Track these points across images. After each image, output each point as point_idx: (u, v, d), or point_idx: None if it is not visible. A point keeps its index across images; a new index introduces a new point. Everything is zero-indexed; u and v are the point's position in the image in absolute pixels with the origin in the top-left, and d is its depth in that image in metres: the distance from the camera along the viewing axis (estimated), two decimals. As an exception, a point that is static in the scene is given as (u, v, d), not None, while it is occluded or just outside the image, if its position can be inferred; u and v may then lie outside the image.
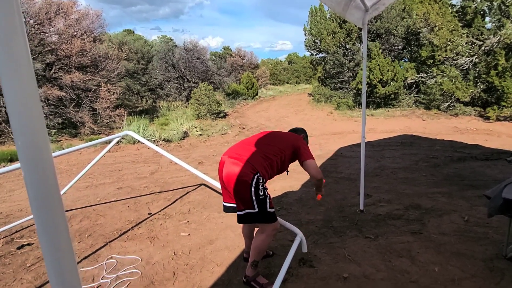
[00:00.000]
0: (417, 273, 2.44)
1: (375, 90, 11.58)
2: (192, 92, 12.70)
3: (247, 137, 2.44)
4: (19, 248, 3.16)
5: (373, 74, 11.41)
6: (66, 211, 4.07)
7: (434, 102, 10.45)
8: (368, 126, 9.38)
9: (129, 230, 3.45)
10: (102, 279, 2.56)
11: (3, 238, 3.37)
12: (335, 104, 13.29)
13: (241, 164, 2.09)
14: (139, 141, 4.14)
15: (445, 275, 2.39)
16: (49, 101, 9.92)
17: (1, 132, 9.10)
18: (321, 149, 6.99)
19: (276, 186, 4.61)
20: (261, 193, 2.08)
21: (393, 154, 6.19)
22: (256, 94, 20.45)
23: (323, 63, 17.03)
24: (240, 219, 2.17)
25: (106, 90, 10.63)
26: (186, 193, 4.54)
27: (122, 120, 10.52)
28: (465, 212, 3.46)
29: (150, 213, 3.87)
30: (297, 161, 2.42)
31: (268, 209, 2.12)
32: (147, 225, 3.54)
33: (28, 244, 3.22)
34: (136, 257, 2.87)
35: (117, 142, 8.47)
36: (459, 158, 5.56)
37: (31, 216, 3.70)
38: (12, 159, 7.00)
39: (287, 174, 2.65)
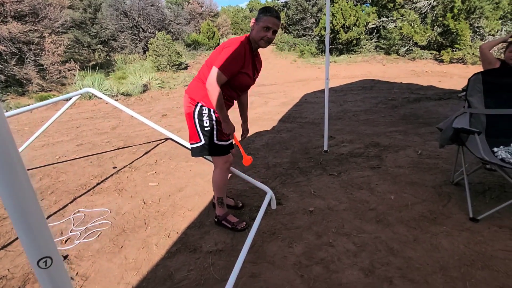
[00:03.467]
0: (375, 201, 2.65)
1: (337, 36, 11.52)
2: (149, 43, 11.88)
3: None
4: (-25, 210, 2.99)
5: (335, 19, 11.26)
6: (23, 171, 3.85)
7: (394, 47, 10.65)
8: (331, 73, 9.47)
9: (95, 185, 3.36)
10: (71, 232, 2.53)
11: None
12: (298, 52, 13.12)
13: (186, 96, 2.12)
14: (96, 96, 3.87)
15: (400, 202, 2.63)
16: (-15, 56, 8.87)
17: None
18: (286, 96, 7.01)
19: (243, 133, 4.62)
20: (206, 124, 2.09)
21: (355, 98, 6.37)
22: (218, 44, 19.59)
23: (285, 9, 16.45)
24: (192, 152, 2.21)
25: (51, 42, 9.64)
26: (152, 147, 4.44)
27: (74, 75, 9.74)
28: (419, 146, 3.72)
29: (115, 167, 3.78)
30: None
31: (215, 141, 2.13)
32: (113, 179, 3.47)
33: None
34: (105, 209, 2.84)
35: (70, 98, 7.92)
36: (414, 99, 5.85)
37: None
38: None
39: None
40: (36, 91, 9.27)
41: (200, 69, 2.17)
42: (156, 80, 9.31)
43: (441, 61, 9.30)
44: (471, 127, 2.53)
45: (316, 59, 11.67)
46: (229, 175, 2.47)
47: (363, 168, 3.28)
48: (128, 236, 2.43)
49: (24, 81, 9.41)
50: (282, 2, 17.49)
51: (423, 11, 10.22)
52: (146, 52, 13.00)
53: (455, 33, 9.17)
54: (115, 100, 7.80)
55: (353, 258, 2.03)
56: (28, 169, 3.89)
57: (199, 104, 2.08)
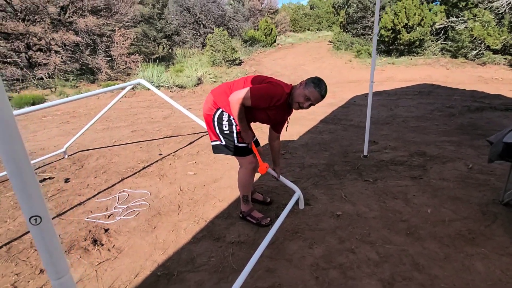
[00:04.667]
0: (409, 213, 2.53)
1: (398, 36, 10.88)
2: (207, 38, 12.38)
3: (239, 78, 2.40)
4: (41, 181, 3.45)
5: (397, 18, 10.64)
6: (84, 150, 4.33)
7: (462, 50, 9.76)
8: (387, 75, 9.01)
9: (141, 169, 3.66)
10: (114, 208, 2.80)
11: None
12: (355, 51, 12.67)
13: (210, 99, 2.22)
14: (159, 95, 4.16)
15: (436, 216, 2.47)
16: (66, 46, 9.99)
17: (23, 77, 9.38)
18: (334, 97, 6.86)
19: (284, 132, 4.64)
20: (225, 128, 2.19)
21: (408, 103, 6.01)
22: (274, 41, 19.67)
23: (346, 6, 15.93)
24: (213, 149, 2.34)
25: (120, 35, 10.52)
26: (196, 138, 4.68)
27: (137, 66, 10.54)
28: (471, 160, 3.43)
29: (161, 154, 4.06)
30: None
31: (236, 144, 2.22)
32: (157, 165, 3.74)
33: (50, 178, 3.50)
34: (146, 191, 3.09)
35: (133, 88, 8.60)
36: (477, 108, 5.35)
37: (52, 154, 3.97)
38: (34, 102, 7.30)
39: (286, 130, 2.60)
40: (105, 79, 10.22)
41: (235, 82, 2.23)
42: (209, 74, 9.69)
43: (517, 67, 8.33)
44: (528, 143, 2.28)
45: (373, 60, 11.19)
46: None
47: (402, 177, 3.12)
48: (162, 219, 2.62)
49: (95, 70, 10.43)
50: (343, 0, 16.97)
51: (500, 11, 9.21)
52: (205, 47, 13.56)
53: (538, 37, 8.13)
54: (170, 91, 8.30)
55: (374, 268, 1.98)
56: (88, 149, 4.35)
57: (220, 109, 2.19)
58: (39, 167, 3.82)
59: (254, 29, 20.20)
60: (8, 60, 9.50)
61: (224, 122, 2.20)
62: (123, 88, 3.78)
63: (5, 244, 2.39)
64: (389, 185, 2.97)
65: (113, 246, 2.32)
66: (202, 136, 4.71)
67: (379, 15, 12.55)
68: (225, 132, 2.21)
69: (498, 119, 4.84)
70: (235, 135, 2.21)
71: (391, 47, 11.72)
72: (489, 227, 2.32)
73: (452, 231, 2.29)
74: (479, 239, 2.19)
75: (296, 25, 29.65)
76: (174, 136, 4.79)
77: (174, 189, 3.12)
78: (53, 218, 2.70)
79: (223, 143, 2.25)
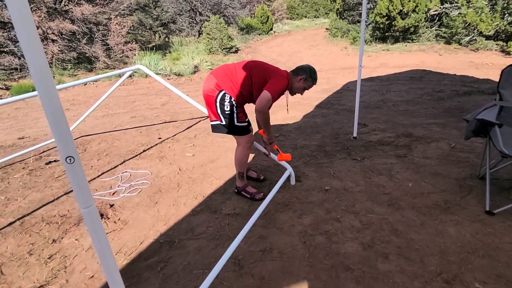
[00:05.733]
0: (391, 187, 2.73)
1: (393, 23, 10.95)
2: (203, 26, 12.39)
3: (237, 62, 2.57)
4: (47, 163, 3.63)
5: (392, 5, 10.68)
6: (86, 135, 4.49)
7: (456, 36, 9.87)
8: (381, 61, 9.14)
9: (141, 151, 3.84)
10: (118, 187, 2.99)
11: (32, 156, 3.85)
12: (351, 38, 12.73)
13: (212, 81, 2.36)
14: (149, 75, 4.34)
15: (416, 190, 2.67)
16: (63, 35, 10.01)
17: (21, 66, 9.44)
18: (328, 83, 7.01)
19: (278, 116, 4.83)
20: (227, 109, 2.36)
21: (399, 88, 6.18)
22: (271, 29, 19.62)
23: (342, -7, 15.85)
24: (212, 128, 2.50)
25: (117, 23, 10.54)
26: (194, 123, 4.84)
27: (134, 55, 10.59)
28: (454, 140, 3.62)
29: (160, 138, 4.23)
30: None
31: (236, 123, 2.40)
32: (157, 148, 3.91)
33: (55, 161, 3.68)
34: (147, 171, 3.27)
35: (130, 76, 8.70)
36: (465, 92, 5.53)
37: (53, 139, 4.14)
38: (33, 90, 7.40)
39: (288, 112, 2.94)
40: (102, 68, 10.28)
41: (236, 67, 2.41)
42: (206, 62, 9.78)
43: (508, 53, 8.45)
44: (500, 120, 2.47)
45: (369, 47, 11.25)
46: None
47: (388, 156, 3.32)
48: (163, 195, 2.82)
49: (93, 59, 10.49)
50: (339, -14, 16.86)
51: (494, -3, 9.28)
52: (201, 35, 13.57)
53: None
54: (168, 79, 8.42)
55: (356, 234, 2.19)
56: (89, 135, 4.51)
57: (223, 91, 2.34)
58: (44, 151, 3.99)
59: (251, 17, 20.11)
60: (5, 49, 9.54)
61: (226, 103, 2.35)
62: (122, 75, 3.92)
63: (18, 219, 2.59)
64: (375, 163, 3.17)
65: (119, 219, 2.51)
66: (199, 121, 4.88)
67: (375, 1, 12.54)
68: (226, 112, 2.36)
69: (484, 102, 5.01)
70: (235, 115, 2.38)
71: (386, 33, 11.78)
72: (464, 198, 2.52)
73: (429, 202, 2.50)
74: (454, 209, 2.40)
75: (293, 13, 29.44)
76: (172, 122, 4.96)
77: (174, 169, 3.31)
78: (61, 196, 2.89)
79: (223, 122, 2.40)
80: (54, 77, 9.11)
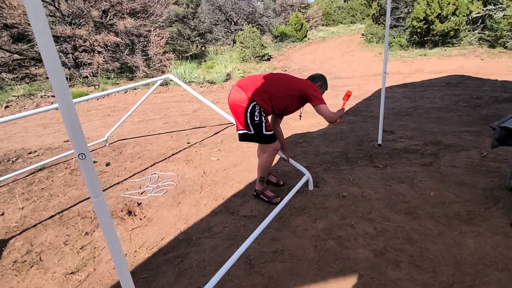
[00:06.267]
0: (411, 196, 2.68)
1: (431, 27, 10.53)
2: (236, 35, 12.75)
3: (260, 74, 2.69)
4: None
5: (430, 8, 10.30)
6: (123, 139, 4.84)
7: (501, 39, 9.28)
8: (416, 67, 8.83)
9: (170, 155, 4.07)
10: (146, 187, 3.21)
11: (74, 157, 4.22)
12: (387, 44, 12.44)
13: (242, 92, 2.44)
14: (185, 83, 4.63)
15: (438, 199, 2.60)
16: (108, 47, 10.81)
17: (71, 76, 10.32)
18: (359, 89, 6.92)
19: (304, 123, 4.87)
20: (257, 119, 2.44)
21: (433, 95, 5.96)
22: (305, 36, 19.66)
23: (378, -2, 15.55)
24: (240, 137, 2.59)
25: (156, 35, 11.18)
26: (222, 129, 5.03)
27: (171, 64, 11.15)
28: (487, 149, 3.45)
29: (189, 143, 4.45)
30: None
31: (264, 132, 2.48)
32: (185, 152, 4.13)
33: (94, 162, 4.00)
34: (174, 173, 3.48)
35: (167, 84, 9.17)
36: (505, 99, 5.21)
37: (95, 142, 4.50)
38: (79, 96, 8.05)
39: (300, 118, 3.04)
40: (142, 76, 10.93)
41: (265, 79, 2.54)
42: (238, 70, 10.05)
43: (562, 56, 7.82)
44: (529, 128, 2.35)
45: (404, 52, 10.91)
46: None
47: (412, 164, 3.25)
48: (186, 196, 2.99)
49: (134, 68, 11.19)
50: (375, -9, 16.55)
51: (545, -3, 8.64)
52: (235, 44, 13.96)
53: None
54: (201, 87, 8.77)
55: (369, 240, 2.19)
56: (125, 139, 4.86)
57: (254, 102, 2.44)
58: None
59: (285, 25, 20.30)
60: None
61: (256, 114, 2.44)
62: (154, 83, 4.20)
63: (58, 213, 2.88)
64: (398, 171, 3.12)
65: (144, 216, 2.71)
66: (227, 127, 5.06)
67: (412, 5, 12.15)
68: (256, 122, 2.46)
69: (527, 109, 4.71)
70: (263, 124, 2.48)
71: (425, 38, 11.36)
72: (489, 210, 2.42)
73: (450, 211, 2.43)
74: (476, 220, 2.32)
75: (329, 19, 29.23)
76: (201, 127, 5.18)
77: (198, 172, 3.48)
78: (96, 194, 3.16)
79: (252, 132, 2.49)
80: (99, 85, 9.85)
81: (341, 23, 29.20)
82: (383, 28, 14.14)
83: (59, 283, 2.05)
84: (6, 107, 7.92)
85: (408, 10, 13.18)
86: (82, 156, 0.87)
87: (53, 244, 2.45)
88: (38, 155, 4.50)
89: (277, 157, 3.66)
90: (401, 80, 7.35)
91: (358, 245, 2.16)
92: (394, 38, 12.53)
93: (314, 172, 3.22)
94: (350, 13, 29.98)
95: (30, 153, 4.60)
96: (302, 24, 19.23)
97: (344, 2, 31.92)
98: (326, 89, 2.81)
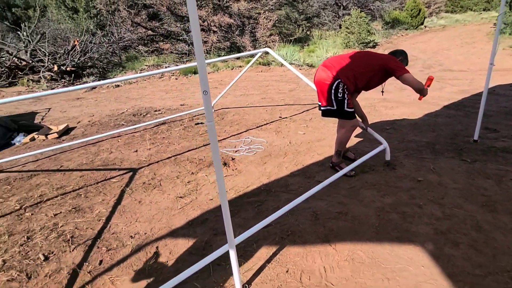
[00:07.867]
0: (494, 191, 2.60)
1: None
2: (342, 20, 12.53)
3: (345, 53, 2.91)
4: (196, 124, 4.80)
5: None
6: (226, 108, 5.58)
7: None
8: (556, 64, 7.43)
9: (263, 125, 4.60)
10: (240, 147, 3.80)
11: (187, 118, 5.12)
12: (524, 36, 10.56)
13: (328, 71, 2.72)
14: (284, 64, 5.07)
15: (525, 199, 2.48)
16: (222, 27, 11.95)
17: (189, 52, 11.82)
18: (470, 84, 6.29)
19: (396, 111, 4.82)
20: (340, 95, 2.69)
21: None
22: (422, 24, 17.91)
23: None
24: (323, 113, 2.89)
25: (264, 18, 11.83)
26: (312, 107, 5.34)
27: (275, 46, 11.71)
28: None
29: (281, 117, 4.91)
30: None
31: (346, 108, 2.72)
32: (276, 124, 4.60)
33: (201, 123, 4.82)
34: (263, 140, 3.99)
35: (268, 64, 9.77)
36: None
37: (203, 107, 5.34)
38: (195, 72, 9.29)
39: (382, 94, 3.15)
40: (247, 56, 11.80)
41: (351, 58, 2.78)
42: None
43: None
44: None
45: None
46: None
47: (507, 164, 3.05)
48: (271, 158, 3.46)
49: (241, 48, 12.14)
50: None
51: None
52: (341, 29, 13.72)
53: None
54: (299, 69, 9.10)
55: (434, 221, 2.29)
56: (228, 108, 5.59)
57: (339, 80, 2.70)
58: (195, 116, 5.23)
59: (400, 10, 18.78)
60: (180, 38, 12.11)
61: (340, 90, 2.71)
62: (252, 56, 4.75)
63: (173, 156, 3.68)
64: (487, 167, 2.99)
65: (236, 168, 3.29)
66: (317, 107, 5.34)
67: None
68: (339, 98, 2.73)
69: None
70: (346, 101, 2.74)
71: None
72: None
73: (535, 212, 2.32)
74: None
75: (456, 5, 25.67)
76: (294, 105, 5.58)
77: (285, 141, 3.92)
78: (201, 147, 3.90)
79: (334, 107, 2.78)
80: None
81: (471, 9, 25.35)
82: (522, 17, 11.98)
83: (171, 202, 2.77)
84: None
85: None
86: (205, 92, 1.34)
87: (169, 176, 3.22)
88: (161, 112, 5.58)
89: (356, 133, 3.83)
90: (528, 78, 6.38)
91: (421, 222, 2.29)
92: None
93: (395, 156, 3.31)
94: (485, -2, 25.72)
95: (156, 110, 5.72)
96: (419, 10, 17.54)
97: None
98: (407, 65, 2.90)
